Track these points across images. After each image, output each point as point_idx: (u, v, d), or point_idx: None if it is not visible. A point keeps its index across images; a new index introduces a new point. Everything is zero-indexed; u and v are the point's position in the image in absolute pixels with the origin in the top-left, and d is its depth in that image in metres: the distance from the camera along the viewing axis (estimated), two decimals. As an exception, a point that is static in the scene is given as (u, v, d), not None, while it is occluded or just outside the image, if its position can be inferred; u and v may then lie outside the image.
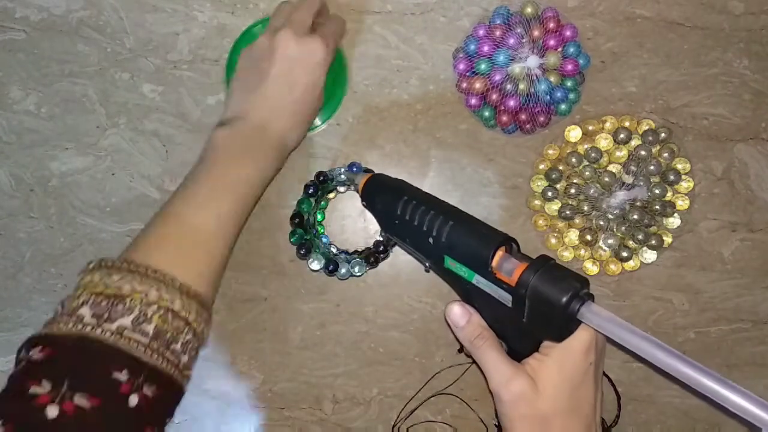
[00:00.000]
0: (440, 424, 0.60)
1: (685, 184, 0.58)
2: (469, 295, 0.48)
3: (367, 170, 0.56)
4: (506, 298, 0.44)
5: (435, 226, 0.47)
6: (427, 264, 0.50)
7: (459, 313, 0.48)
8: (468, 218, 0.48)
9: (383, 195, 0.52)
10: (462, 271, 0.46)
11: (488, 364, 0.46)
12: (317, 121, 0.58)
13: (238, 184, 0.50)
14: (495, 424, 0.59)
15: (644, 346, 0.39)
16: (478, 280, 0.45)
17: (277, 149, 0.52)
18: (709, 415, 0.60)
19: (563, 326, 0.43)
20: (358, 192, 0.55)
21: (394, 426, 0.59)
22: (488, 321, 0.48)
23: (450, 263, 0.47)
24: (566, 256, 0.59)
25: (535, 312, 0.42)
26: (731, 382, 0.36)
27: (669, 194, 0.58)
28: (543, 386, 0.44)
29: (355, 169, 0.56)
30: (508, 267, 0.44)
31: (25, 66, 0.58)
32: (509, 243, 0.46)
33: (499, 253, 0.45)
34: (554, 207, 0.59)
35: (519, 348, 0.47)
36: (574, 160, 0.58)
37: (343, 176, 0.56)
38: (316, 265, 0.55)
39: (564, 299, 0.40)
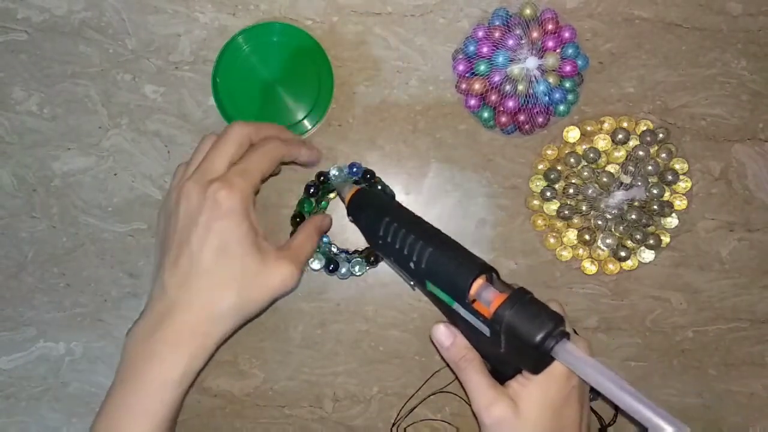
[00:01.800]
0: (440, 423, 0.60)
1: (683, 184, 0.59)
2: (452, 316, 0.48)
3: (368, 171, 0.57)
4: (484, 328, 0.44)
5: (415, 251, 0.47)
6: (411, 283, 0.51)
7: (444, 333, 0.48)
8: (448, 245, 0.47)
9: (367, 212, 0.52)
10: (443, 296, 0.46)
11: (471, 386, 0.46)
12: (307, 125, 0.58)
13: (150, 396, 0.42)
14: None
15: (616, 393, 0.38)
16: (457, 307, 0.46)
17: (194, 336, 0.42)
18: (708, 414, 0.60)
19: (539, 361, 0.43)
20: (344, 203, 0.55)
21: (393, 424, 0.60)
22: (471, 342, 0.48)
23: (431, 287, 0.47)
24: (565, 255, 0.59)
25: (511, 345, 0.43)
26: None
27: (667, 194, 0.58)
28: (525, 410, 0.43)
29: (355, 169, 0.56)
30: (486, 297, 0.43)
31: (28, 67, 0.59)
32: (489, 272, 0.45)
33: (479, 281, 0.44)
34: (553, 207, 0.59)
35: (501, 370, 0.47)
36: (572, 160, 0.58)
37: (333, 178, 0.56)
38: (316, 264, 0.56)
39: (538, 338, 0.40)
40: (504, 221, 0.60)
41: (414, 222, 0.50)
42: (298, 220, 0.56)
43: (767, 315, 0.60)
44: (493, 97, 0.57)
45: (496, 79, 0.56)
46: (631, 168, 0.58)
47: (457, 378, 0.49)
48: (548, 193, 0.59)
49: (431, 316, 0.60)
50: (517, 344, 0.42)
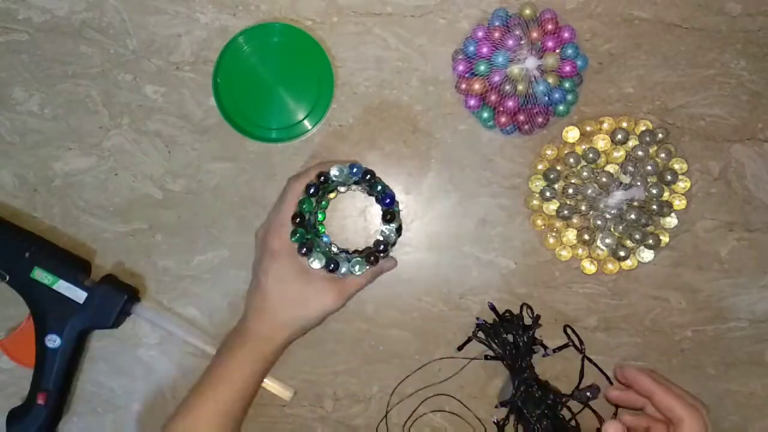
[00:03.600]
0: (439, 421, 0.60)
1: (682, 184, 0.59)
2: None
3: (368, 171, 0.56)
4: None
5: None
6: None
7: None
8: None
9: None
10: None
11: None
12: (308, 125, 0.59)
13: (221, 380, 0.54)
14: (494, 422, 0.59)
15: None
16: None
17: (257, 341, 0.55)
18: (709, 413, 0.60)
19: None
20: None
21: (385, 416, 0.60)
22: None
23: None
24: (564, 255, 0.59)
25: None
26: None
27: (666, 194, 0.59)
28: None
29: (355, 169, 0.56)
30: None
31: (29, 67, 0.59)
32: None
33: None
34: (552, 207, 0.59)
35: None
36: (572, 160, 0.59)
37: (333, 178, 0.56)
38: (317, 264, 0.56)
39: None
40: (504, 221, 0.60)
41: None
42: (298, 219, 0.56)
43: (766, 314, 0.60)
44: (493, 97, 0.57)
45: (496, 79, 0.56)
46: (630, 168, 0.58)
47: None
48: (548, 193, 0.59)
49: (431, 316, 0.60)
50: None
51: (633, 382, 0.54)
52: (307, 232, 0.56)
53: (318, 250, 0.56)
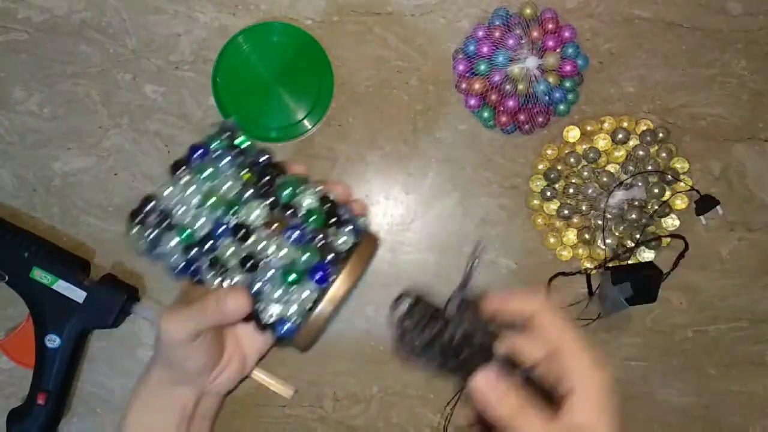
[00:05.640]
0: (440, 421, 0.60)
1: (683, 184, 0.59)
2: None
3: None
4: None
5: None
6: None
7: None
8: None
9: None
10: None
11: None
12: (308, 125, 0.58)
13: None
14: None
15: None
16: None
17: None
18: (708, 414, 0.60)
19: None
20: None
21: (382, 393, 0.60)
22: None
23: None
24: (565, 255, 0.59)
25: None
26: None
27: (667, 194, 0.58)
28: None
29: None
30: None
31: (28, 67, 0.59)
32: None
33: None
34: (553, 206, 0.59)
35: None
36: (572, 160, 0.58)
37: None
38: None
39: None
40: (504, 221, 0.60)
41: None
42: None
43: (767, 315, 0.60)
44: (493, 97, 0.57)
45: (496, 78, 0.56)
46: (631, 168, 0.58)
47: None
48: (548, 193, 0.59)
49: (431, 315, 0.60)
50: None
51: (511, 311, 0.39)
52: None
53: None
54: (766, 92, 0.60)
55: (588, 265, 0.59)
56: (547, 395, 0.37)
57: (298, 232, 0.38)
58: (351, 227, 0.39)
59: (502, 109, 0.57)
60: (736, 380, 0.61)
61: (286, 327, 0.39)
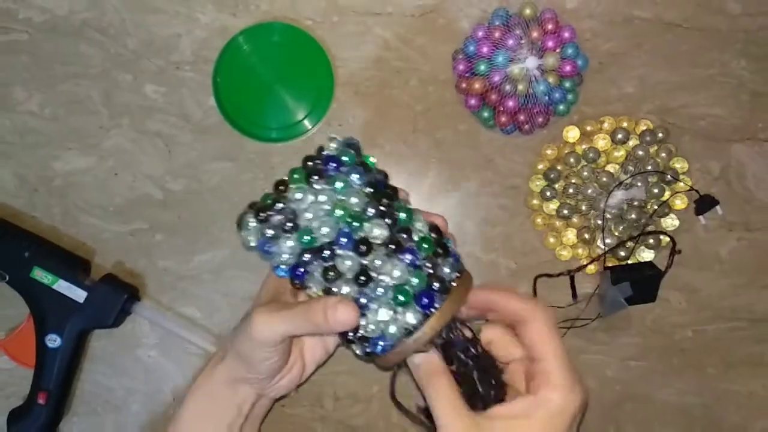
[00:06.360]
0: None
1: (683, 184, 0.59)
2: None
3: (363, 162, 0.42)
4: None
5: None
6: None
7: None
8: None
9: None
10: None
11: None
12: (308, 125, 0.59)
13: None
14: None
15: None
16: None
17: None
18: (708, 414, 0.60)
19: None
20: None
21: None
22: None
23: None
24: (564, 255, 0.59)
25: None
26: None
27: (667, 194, 0.59)
28: None
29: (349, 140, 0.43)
30: None
31: (29, 67, 0.59)
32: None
33: None
34: (552, 206, 0.59)
35: None
36: (572, 160, 0.58)
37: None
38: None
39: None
40: (504, 221, 0.60)
41: None
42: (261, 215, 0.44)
43: (766, 314, 0.60)
44: (493, 97, 0.57)
45: (496, 79, 0.56)
46: (630, 168, 0.58)
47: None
48: (548, 193, 0.59)
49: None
50: None
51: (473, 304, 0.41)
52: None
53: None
54: (765, 92, 0.60)
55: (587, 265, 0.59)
56: (490, 378, 0.38)
57: (412, 255, 0.38)
58: (452, 260, 0.40)
59: (501, 109, 0.57)
60: (735, 380, 0.61)
61: (381, 345, 0.39)
